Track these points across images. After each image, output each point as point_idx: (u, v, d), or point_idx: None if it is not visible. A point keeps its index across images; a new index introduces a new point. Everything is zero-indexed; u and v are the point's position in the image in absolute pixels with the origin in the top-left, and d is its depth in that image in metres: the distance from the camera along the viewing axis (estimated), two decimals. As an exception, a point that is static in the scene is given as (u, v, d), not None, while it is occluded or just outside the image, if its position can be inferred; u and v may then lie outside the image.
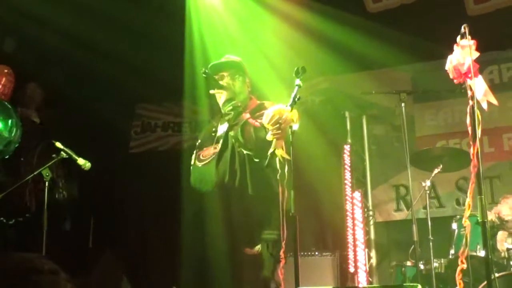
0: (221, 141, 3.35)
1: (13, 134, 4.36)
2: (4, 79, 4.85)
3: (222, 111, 3.43)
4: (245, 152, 3.24)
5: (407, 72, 6.89)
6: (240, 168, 3.25)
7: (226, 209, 3.24)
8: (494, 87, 6.42)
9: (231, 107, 3.35)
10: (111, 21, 6.21)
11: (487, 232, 2.32)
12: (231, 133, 3.28)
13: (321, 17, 6.28)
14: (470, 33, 2.56)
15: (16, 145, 4.46)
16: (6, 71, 4.89)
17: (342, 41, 6.26)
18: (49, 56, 6.21)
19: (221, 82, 3.44)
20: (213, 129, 3.50)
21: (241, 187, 3.23)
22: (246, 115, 3.30)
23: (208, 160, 3.34)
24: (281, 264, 2.87)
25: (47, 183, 3.90)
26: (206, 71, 3.32)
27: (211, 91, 3.44)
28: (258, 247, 3.13)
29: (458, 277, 2.12)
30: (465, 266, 2.08)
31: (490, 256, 2.13)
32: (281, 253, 2.84)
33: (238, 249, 3.16)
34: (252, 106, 3.46)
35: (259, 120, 3.20)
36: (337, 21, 6.20)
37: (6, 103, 4.67)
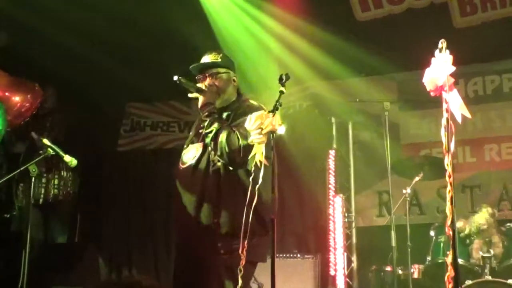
0: (200, 150, 3.30)
1: None
2: (30, 94, 4.84)
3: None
4: (220, 160, 3.18)
5: (394, 80, 7.02)
6: (214, 178, 3.20)
7: (195, 219, 3.20)
8: (478, 99, 6.66)
9: (206, 113, 3.26)
10: (107, 17, 6.25)
11: (456, 241, 2.39)
12: (206, 139, 3.22)
13: (312, 24, 6.37)
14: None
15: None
16: (36, 88, 4.88)
17: (331, 47, 6.37)
18: (37, 49, 6.21)
19: (200, 84, 3.36)
20: (201, 125, 3.38)
21: (210, 199, 3.18)
22: (223, 120, 3.24)
23: (188, 164, 3.29)
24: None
25: (33, 179, 3.96)
26: (180, 78, 3.20)
27: (189, 95, 3.36)
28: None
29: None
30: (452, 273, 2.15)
31: (457, 265, 2.22)
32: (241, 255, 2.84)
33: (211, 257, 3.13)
34: (236, 105, 3.38)
35: (240, 130, 3.13)
36: (327, 28, 6.30)
37: None
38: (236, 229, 3.03)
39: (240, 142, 3.07)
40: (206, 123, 3.23)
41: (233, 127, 3.18)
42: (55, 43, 6.22)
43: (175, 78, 3.19)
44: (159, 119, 8.06)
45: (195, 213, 3.19)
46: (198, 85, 3.36)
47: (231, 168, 3.17)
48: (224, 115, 3.35)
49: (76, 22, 6.29)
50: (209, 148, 3.23)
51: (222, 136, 3.12)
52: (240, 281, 2.87)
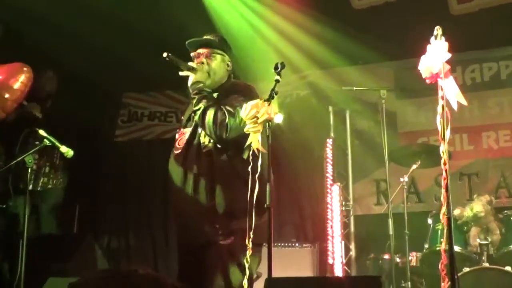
0: (190, 129, 3.29)
1: None
2: (23, 76, 4.78)
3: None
4: (210, 141, 3.17)
5: (391, 68, 7.01)
6: (207, 161, 3.19)
7: (192, 201, 3.19)
8: (475, 86, 6.65)
9: (195, 91, 3.24)
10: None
11: (451, 228, 2.39)
12: (195, 117, 3.20)
13: (309, 13, 6.33)
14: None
15: None
16: (25, 69, 4.82)
17: (328, 36, 6.34)
18: (31, 39, 6.16)
19: (192, 62, 3.32)
20: (193, 109, 3.36)
21: (205, 180, 3.17)
22: (212, 99, 3.22)
23: (180, 150, 3.29)
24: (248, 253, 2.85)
25: (29, 169, 3.95)
26: (169, 55, 3.15)
27: (180, 73, 3.30)
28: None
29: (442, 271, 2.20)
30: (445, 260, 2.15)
31: (452, 253, 2.22)
32: (247, 241, 2.79)
33: (208, 242, 3.11)
34: (227, 87, 3.36)
35: (227, 107, 3.14)
36: (324, 17, 6.27)
37: None
38: (233, 210, 3.06)
39: (227, 120, 3.07)
40: (194, 101, 3.21)
41: (221, 105, 3.17)
42: (52, 30, 6.17)
43: (165, 55, 3.16)
44: (156, 109, 8.05)
45: (193, 192, 3.17)
46: (190, 63, 3.31)
47: (219, 146, 3.14)
48: (214, 95, 3.33)
49: (74, 9, 6.25)
50: (199, 129, 3.22)
51: (209, 114, 3.12)
52: (247, 271, 2.84)
